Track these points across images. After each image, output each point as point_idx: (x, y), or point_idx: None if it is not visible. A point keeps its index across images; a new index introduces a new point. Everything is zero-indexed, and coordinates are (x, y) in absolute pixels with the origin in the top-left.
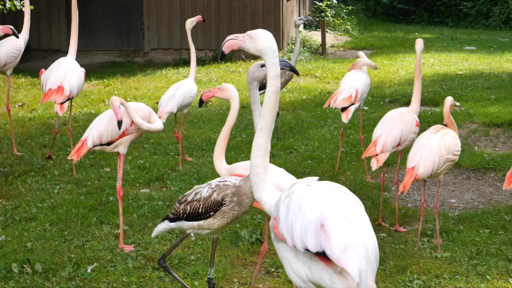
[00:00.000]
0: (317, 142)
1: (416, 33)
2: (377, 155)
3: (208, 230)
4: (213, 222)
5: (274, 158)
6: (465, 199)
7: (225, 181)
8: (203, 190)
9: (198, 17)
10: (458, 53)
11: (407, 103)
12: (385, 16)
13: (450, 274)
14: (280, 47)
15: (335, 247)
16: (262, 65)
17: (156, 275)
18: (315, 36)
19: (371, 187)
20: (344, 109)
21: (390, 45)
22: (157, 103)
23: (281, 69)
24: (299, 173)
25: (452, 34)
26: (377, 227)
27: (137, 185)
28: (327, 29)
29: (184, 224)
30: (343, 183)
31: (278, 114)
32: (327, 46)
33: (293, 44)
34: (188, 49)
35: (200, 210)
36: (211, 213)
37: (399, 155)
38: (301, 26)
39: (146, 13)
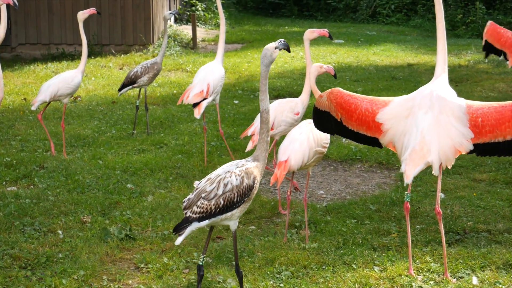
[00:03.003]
0: (188, 137)
1: (286, 27)
2: (252, 135)
3: (238, 217)
4: (245, 207)
5: (145, 153)
6: (333, 190)
7: (243, 165)
8: (232, 179)
9: (91, 10)
10: (327, 46)
11: (277, 96)
12: (256, 10)
13: (318, 264)
14: (151, 41)
15: None
16: (276, 47)
17: (23, 274)
18: (186, 31)
19: None
20: (196, 104)
21: (260, 38)
22: (25, 99)
23: (281, 49)
24: (169, 168)
25: (321, 27)
26: (246, 220)
27: (4, 183)
28: (198, 23)
29: (218, 218)
30: None
31: (147, 109)
32: (198, 40)
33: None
34: (57, 44)
35: (235, 199)
36: (245, 199)
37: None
38: (172, 19)
39: (12, 7)
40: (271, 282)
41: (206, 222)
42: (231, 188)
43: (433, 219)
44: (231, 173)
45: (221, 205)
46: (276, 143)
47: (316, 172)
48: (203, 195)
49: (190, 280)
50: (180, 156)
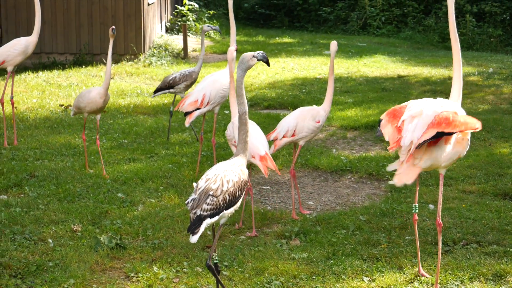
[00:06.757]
0: (178, 146)
1: (277, 38)
2: (274, 140)
3: (233, 212)
4: (240, 201)
5: (135, 163)
6: (323, 201)
7: (234, 163)
8: (231, 176)
9: (111, 28)
10: (317, 58)
11: (267, 107)
12: (247, 20)
13: (307, 274)
14: (142, 50)
15: None
16: (254, 56)
17: (13, 282)
18: (176, 40)
19: None
20: (188, 113)
21: (251, 49)
22: (16, 108)
23: (259, 60)
24: (160, 177)
25: (312, 38)
26: (237, 230)
27: None
28: (188, 34)
29: (225, 213)
30: None
31: (171, 115)
32: (189, 51)
33: (155, 48)
34: (48, 53)
35: (237, 194)
36: (243, 193)
37: (294, 151)
38: (163, 30)
39: (4, 16)
40: None
41: (216, 218)
42: (233, 184)
43: (422, 230)
44: (229, 171)
45: (227, 200)
46: (301, 148)
47: (306, 182)
48: (210, 192)
49: None
50: (171, 166)
